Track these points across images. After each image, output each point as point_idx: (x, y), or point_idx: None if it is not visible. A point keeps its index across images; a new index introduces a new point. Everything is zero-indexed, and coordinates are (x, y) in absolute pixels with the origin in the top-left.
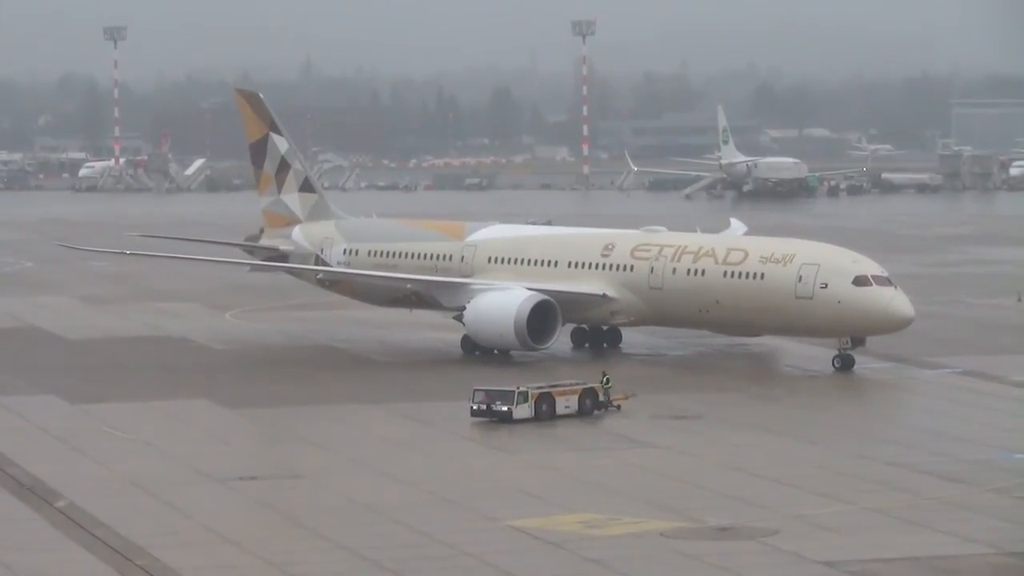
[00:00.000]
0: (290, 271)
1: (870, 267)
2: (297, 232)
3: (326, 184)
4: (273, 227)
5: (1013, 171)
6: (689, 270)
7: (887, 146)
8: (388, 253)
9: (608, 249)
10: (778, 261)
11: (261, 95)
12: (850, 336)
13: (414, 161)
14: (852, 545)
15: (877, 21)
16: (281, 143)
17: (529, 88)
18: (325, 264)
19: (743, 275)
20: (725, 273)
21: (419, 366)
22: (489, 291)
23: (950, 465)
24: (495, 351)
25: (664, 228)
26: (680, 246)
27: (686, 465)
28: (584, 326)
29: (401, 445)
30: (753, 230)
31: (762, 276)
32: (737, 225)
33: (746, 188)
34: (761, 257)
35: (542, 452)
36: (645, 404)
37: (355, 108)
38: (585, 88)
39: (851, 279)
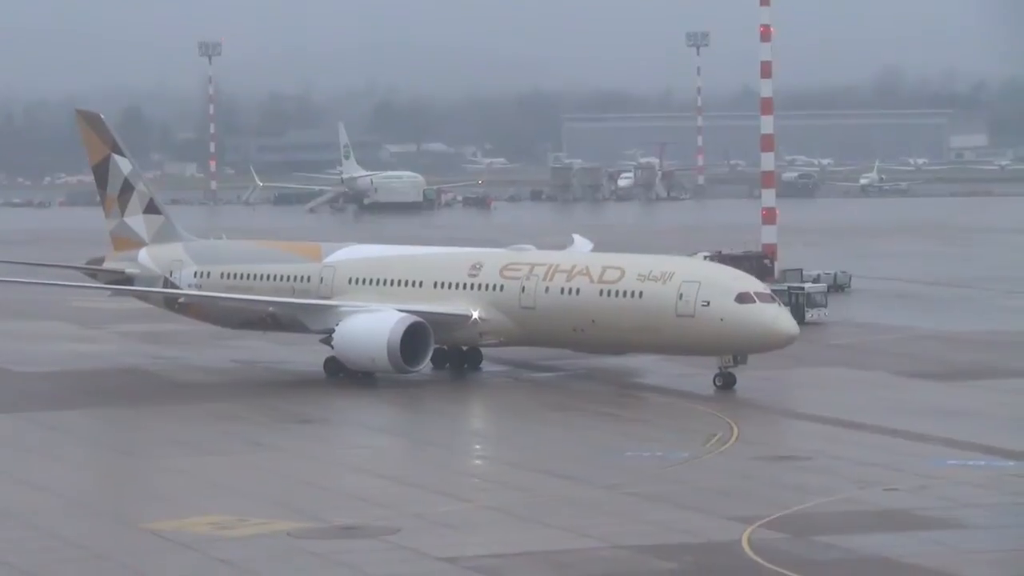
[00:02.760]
0: (141, 295)
1: (752, 284)
2: (143, 255)
3: None
4: (119, 250)
5: (621, 183)
6: (563, 289)
7: (501, 159)
8: (242, 275)
9: (475, 268)
10: (657, 279)
11: (102, 115)
12: (733, 354)
13: (48, 179)
14: (472, 542)
15: (490, 41)
16: (124, 164)
17: (159, 107)
18: (175, 287)
19: (621, 293)
20: (601, 292)
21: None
22: (359, 313)
23: (566, 464)
24: (359, 374)
25: (532, 247)
26: (552, 264)
27: (311, 467)
28: (444, 347)
29: (34, 451)
30: (378, 240)
31: (641, 294)
32: (581, 241)
33: (367, 201)
34: (639, 275)
35: (172, 456)
36: (271, 409)
37: None
38: (212, 107)
39: (734, 296)
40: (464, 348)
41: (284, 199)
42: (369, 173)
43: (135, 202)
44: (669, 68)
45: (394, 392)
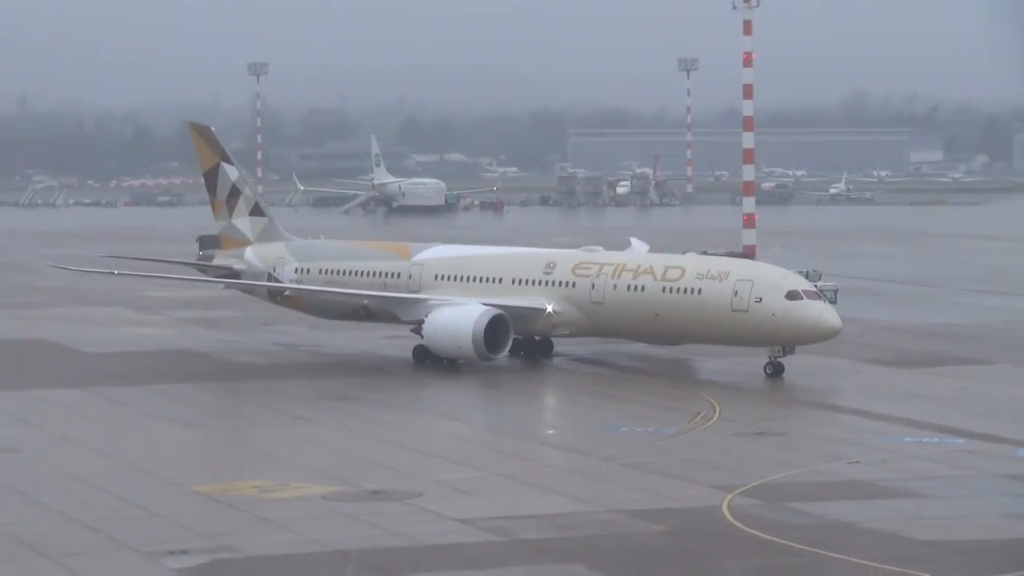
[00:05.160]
0: (248, 288)
1: (800, 283)
2: (249, 252)
3: (39, 201)
4: (226, 248)
5: (620, 190)
6: (629, 286)
7: (514, 169)
8: (338, 271)
9: (550, 267)
10: (714, 277)
11: (213, 128)
12: (782, 345)
13: (114, 182)
14: (486, 505)
15: (506, 64)
16: (232, 171)
17: (211, 119)
18: (278, 282)
19: (681, 290)
20: (664, 289)
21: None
22: (446, 306)
23: (569, 437)
24: (444, 361)
25: (601, 248)
26: (620, 264)
27: (345, 439)
28: (518, 336)
29: (100, 422)
30: (406, 239)
31: (699, 291)
32: (638, 244)
33: (395, 205)
34: (698, 274)
35: (222, 427)
36: (311, 387)
37: (64, 136)
38: (259, 120)
39: (784, 293)
40: (536, 338)
41: (322, 202)
42: (397, 180)
43: (242, 205)
44: (662, 90)
45: (421, 374)
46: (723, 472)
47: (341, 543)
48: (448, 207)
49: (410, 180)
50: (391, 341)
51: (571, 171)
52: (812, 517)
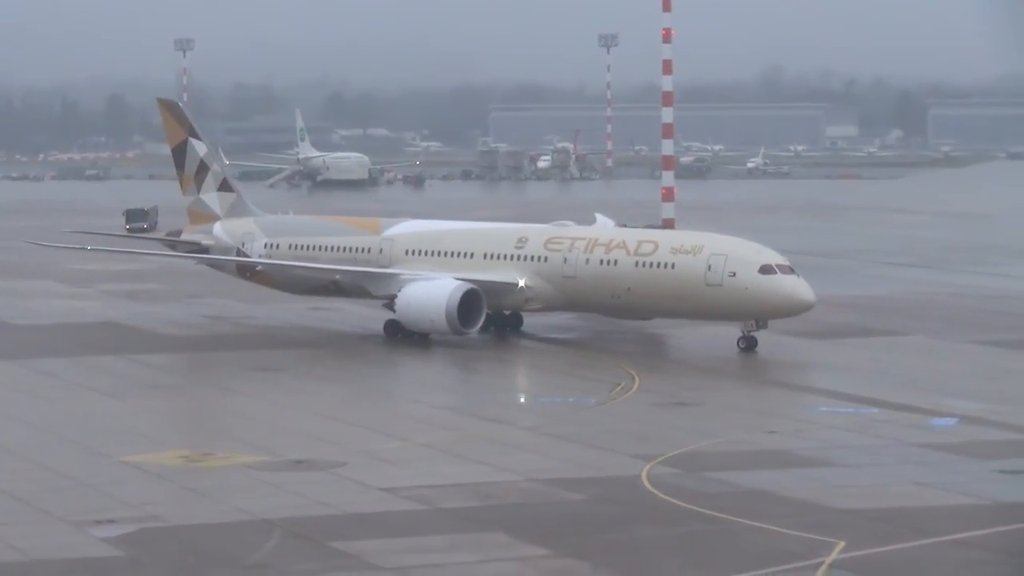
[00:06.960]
0: (213, 263)
1: (773, 257)
2: (218, 228)
3: None
4: (194, 224)
5: (541, 164)
6: (602, 260)
7: (437, 143)
8: (308, 247)
9: (521, 242)
10: (688, 252)
11: (180, 103)
12: (755, 320)
13: (42, 156)
14: (409, 474)
15: (429, 40)
16: (200, 147)
17: (140, 95)
18: (247, 257)
19: (655, 264)
20: (637, 263)
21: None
22: (419, 280)
23: (489, 408)
24: (415, 334)
25: (572, 223)
26: (592, 238)
27: (269, 409)
28: (489, 311)
29: (28, 393)
30: (332, 212)
31: (673, 266)
32: (603, 220)
33: (320, 179)
34: (672, 248)
35: (149, 398)
36: (237, 358)
37: None
38: (185, 95)
39: (757, 268)
40: (506, 313)
41: (248, 176)
42: (322, 154)
43: (210, 181)
44: (583, 65)
45: (346, 346)
46: (642, 442)
47: (266, 512)
48: (372, 181)
49: (334, 154)
50: (317, 313)
51: (493, 146)
52: (729, 486)
